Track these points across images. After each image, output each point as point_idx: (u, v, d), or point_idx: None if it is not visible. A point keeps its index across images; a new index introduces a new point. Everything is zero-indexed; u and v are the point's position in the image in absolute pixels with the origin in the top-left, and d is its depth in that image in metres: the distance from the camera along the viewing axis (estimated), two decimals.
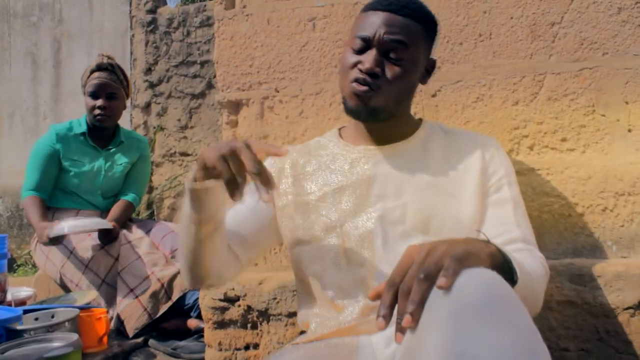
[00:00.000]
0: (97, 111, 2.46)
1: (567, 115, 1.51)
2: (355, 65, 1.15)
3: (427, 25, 1.20)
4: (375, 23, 1.14)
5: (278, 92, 1.68)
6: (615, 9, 1.49)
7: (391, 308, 0.76)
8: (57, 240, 2.18)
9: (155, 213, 4.27)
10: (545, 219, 1.51)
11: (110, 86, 2.47)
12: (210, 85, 4.14)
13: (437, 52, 1.58)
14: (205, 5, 4.16)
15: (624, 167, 1.48)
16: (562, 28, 1.52)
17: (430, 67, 1.26)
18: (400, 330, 0.73)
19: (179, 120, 4.23)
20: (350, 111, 1.18)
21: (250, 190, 1.28)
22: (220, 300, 1.62)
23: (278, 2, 1.68)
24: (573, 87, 1.51)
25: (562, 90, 1.51)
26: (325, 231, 1.18)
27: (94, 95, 2.46)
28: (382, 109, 1.15)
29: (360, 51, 1.16)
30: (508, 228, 1.15)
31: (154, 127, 4.30)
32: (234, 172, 0.92)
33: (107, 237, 2.25)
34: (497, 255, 0.85)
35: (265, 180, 0.91)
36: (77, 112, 4.52)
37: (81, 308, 1.95)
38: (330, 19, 1.65)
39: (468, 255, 0.77)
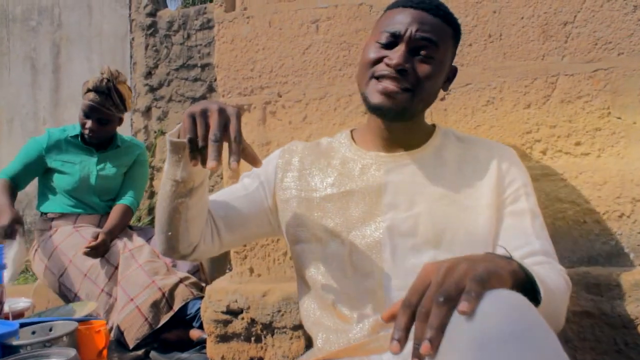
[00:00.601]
0: (87, 131, 2.49)
1: (581, 118, 1.45)
2: (379, 60, 1.11)
3: (456, 30, 1.18)
4: (406, 20, 1.11)
5: (281, 96, 1.63)
6: (631, 7, 1.44)
7: (407, 331, 0.71)
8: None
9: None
10: (559, 226, 1.45)
11: (102, 112, 2.47)
12: (211, 89, 4.09)
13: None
14: (205, 8, 4.11)
15: None
16: (575, 28, 1.46)
17: (452, 74, 1.23)
18: (418, 357, 0.68)
19: (179, 124, 4.16)
20: (375, 109, 1.12)
21: (253, 174, 1.27)
22: (223, 312, 1.58)
23: (280, 3, 1.63)
24: (587, 88, 1.45)
25: (576, 92, 1.46)
26: (329, 234, 1.14)
27: (86, 115, 2.48)
28: (411, 109, 1.11)
29: (388, 46, 1.11)
30: (527, 240, 1.10)
31: (155, 132, 4.25)
32: (199, 133, 0.92)
33: (95, 252, 2.21)
34: (520, 272, 0.81)
35: (248, 155, 0.97)
36: (76, 117, 4.42)
37: (79, 320, 1.90)
38: (334, 21, 1.59)
39: (490, 275, 0.72)
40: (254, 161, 1.01)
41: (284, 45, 1.62)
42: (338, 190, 1.16)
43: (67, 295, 2.26)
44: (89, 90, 2.46)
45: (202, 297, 2.12)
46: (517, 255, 1.05)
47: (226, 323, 1.56)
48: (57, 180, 2.47)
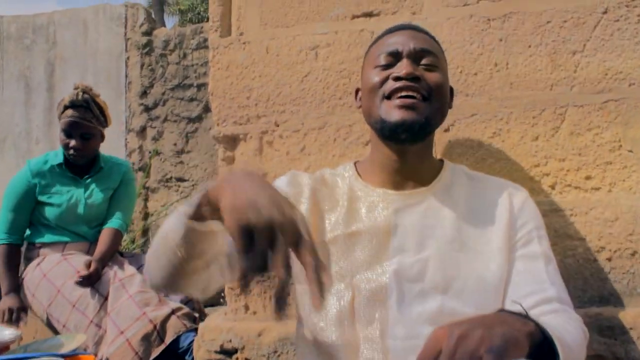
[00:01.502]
0: (70, 150, 2.38)
1: (591, 151, 1.40)
2: (385, 80, 1.08)
3: (441, 49, 1.19)
4: (401, 39, 1.11)
5: (278, 126, 1.57)
6: None
7: None
8: None
9: (151, 240, 4.15)
10: (569, 264, 1.39)
11: (84, 126, 2.37)
12: (207, 109, 4.04)
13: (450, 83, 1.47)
14: (202, 27, 4.08)
15: None
16: (584, 57, 1.41)
17: (451, 91, 1.21)
18: None
19: (175, 144, 4.14)
20: (396, 128, 1.05)
21: None
22: (217, 352, 1.51)
23: (277, 29, 1.58)
24: (597, 120, 1.40)
25: (586, 124, 1.41)
26: (334, 278, 1.07)
27: (67, 134, 2.38)
28: (432, 121, 1.09)
29: (388, 66, 1.10)
30: (541, 286, 1.05)
31: (150, 152, 4.20)
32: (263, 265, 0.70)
33: (88, 281, 2.13)
34: (537, 334, 0.76)
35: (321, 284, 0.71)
36: None
37: (67, 355, 1.83)
38: (334, 47, 1.54)
39: (508, 342, 0.67)
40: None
41: (282, 72, 1.57)
42: (344, 232, 1.10)
43: (55, 326, 2.18)
44: (66, 108, 2.38)
45: (194, 329, 2.05)
46: (531, 302, 1.00)
47: None
48: (44, 212, 2.38)
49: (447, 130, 1.47)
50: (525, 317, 0.78)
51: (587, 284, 1.40)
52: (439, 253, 1.05)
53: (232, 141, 1.60)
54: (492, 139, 1.45)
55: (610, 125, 1.40)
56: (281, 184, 1.18)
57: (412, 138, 1.08)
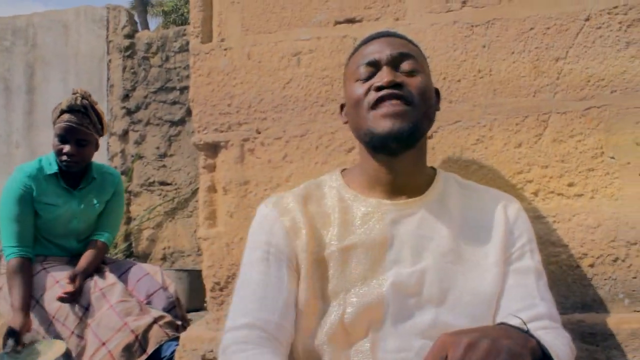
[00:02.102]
0: (64, 157, 2.25)
1: (574, 158, 1.41)
2: (367, 92, 1.06)
3: (420, 51, 1.18)
4: (378, 47, 1.10)
5: (259, 133, 1.55)
6: (624, 44, 1.40)
7: None
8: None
9: (133, 245, 4.11)
10: (552, 271, 1.39)
11: (80, 132, 2.26)
12: (190, 112, 3.99)
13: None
14: (184, 30, 4.05)
15: (636, 214, 1.38)
16: (567, 64, 1.42)
17: (437, 93, 1.20)
18: None
19: (157, 148, 4.10)
20: (385, 138, 1.03)
21: (258, 256, 1.09)
22: None
23: (259, 35, 1.56)
24: (580, 127, 1.41)
25: (568, 131, 1.41)
26: (327, 298, 1.05)
27: (63, 139, 2.26)
28: (420, 126, 1.07)
29: (369, 78, 1.08)
30: (532, 302, 1.05)
31: (132, 156, 4.16)
32: None
33: (72, 297, 2.08)
34: (537, 351, 0.77)
35: None
36: (51, 141, 4.34)
37: None
38: (317, 54, 1.53)
39: (513, 356, 0.69)
40: None
41: (264, 79, 1.55)
42: (338, 246, 1.06)
43: (34, 336, 2.14)
44: (63, 112, 2.28)
45: (177, 338, 2.02)
46: (524, 318, 0.98)
47: None
48: (35, 225, 2.30)
49: (430, 137, 1.46)
50: (527, 332, 0.78)
51: (570, 291, 1.40)
52: (435, 265, 1.03)
53: (213, 149, 1.59)
54: (475, 146, 1.44)
55: (593, 132, 1.40)
56: (269, 214, 1.12)
57: (402, 146, 1.06)
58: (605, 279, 1.39)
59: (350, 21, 1.52)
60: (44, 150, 4.16)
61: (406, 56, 1.09)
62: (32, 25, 4.39)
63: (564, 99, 1.42)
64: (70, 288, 2.07)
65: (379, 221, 1.07)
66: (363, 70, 1.08)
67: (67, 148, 2.24)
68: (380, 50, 1.09)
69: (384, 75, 1.05)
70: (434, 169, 1.21)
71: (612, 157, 1.39)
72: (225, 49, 1.58)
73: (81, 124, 2.25)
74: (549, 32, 1.43)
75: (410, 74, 1.08)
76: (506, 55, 1.44)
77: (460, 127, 1.45)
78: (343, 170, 1.21)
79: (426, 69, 1.15)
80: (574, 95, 1.41)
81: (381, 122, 1.03)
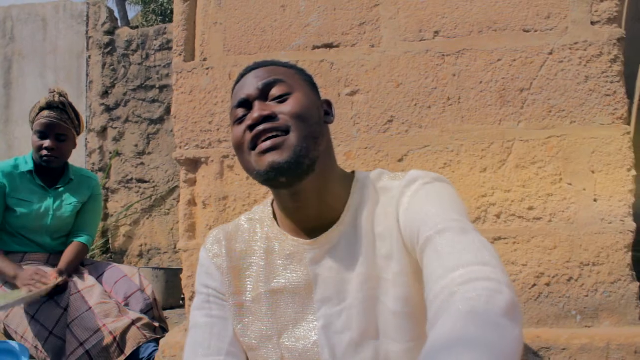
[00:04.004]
0: (44, 152, 2.30)
1: (534, 183, 1.49)
2: (245, 132, 0.99)
3: (296, 69, 1.09)
4: (247, 83, 1.03)
5: None
6: (583, 78, 1.48)
7: None
8: None
9: (110, 241, 4.12)
10: None
11: (60, 127, 2.33)
12: (169, 111, 4.02)
13: (404, 116, 1.54)
14: (165, 29, 4.05)
15: (590, 237, 1.47)
16: (531, 94, 1.50)
17: (327, 106, 1.10)
18: None
19: (136, 145, 4.10)
20: (269, 174, 0.96)
21: (200, 305, 1.10)
22: None
23: (240, 56, 1.61)
24: (541, 155, 1.49)
25: (530, 158, 1.50)
26: (260, 340, 1.05)
27: (42, 135, 2.31)
28: (305, 152, 0.96)
29: (244, 116, 1.01)
30: (443, 268, 0.82)
31: (110, 153, 4.15)
32: None
33: (55, 290, 2.13)
34: None
35: None
36: (28, 135, 4.22)
37: None
38: None
39: None
40: None
41: None
42: (265, 289, 1.05)
43: (13, 337, 2.16)
44: (42, 109, 2.33)
45: (155, 340, 2.07)
46: (439, 287, 0.79)
47: None
48: (8, 219, 2.34)
49: (400, 160, 1.54)
50: None
51: (527, 307, 1.49)
52: (358, 297, 0.99)
53: (194, 164, 1.64)
54: (443, 170, 1.52)
55: (553, 159, 1.49)
56: (204, 259, 1.13)
57: (294, 176, 0.97)
58: (560, 297, 1.48)
59: (328, 46, 1.59)
60: (20, 144, 4.15)
61: (274, 82, 1.01)
62: (10, 17, 4.34)
63: (527, 128, 1.50)
64: (58, 279, 2.12)
65: (300, 262, 1.04)
66: (238, 112, 1.03)
67: (47, 143, 2.29)
68: (249, 86, 1.02)
69: (253, 112, 0.98)
70: (353, 177, 1.10)
71: (570, 184, 1.48)
72: (207, 68, 1.63)
73: (60, 119, 2.31)
74: (515, 64, 1.51)
75: (281, 99, 1.00)
76: (475, 84, 1.52)
77: (429, 151, 1.53)
78: (274, 201, 1.13)
79: (302, 86, 1.05)
80: (536, 125, 1.50)
81: (262, 160, 0.96)
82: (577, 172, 1.48)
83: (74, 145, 2.46)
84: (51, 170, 2.41)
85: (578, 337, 1.42)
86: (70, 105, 2.38)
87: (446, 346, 0.67)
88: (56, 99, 2.32)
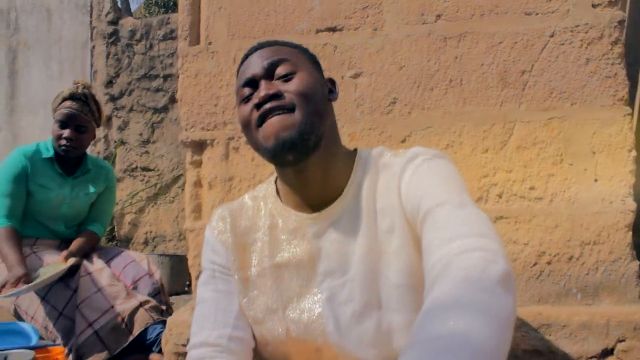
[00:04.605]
0: (63, 141, 2.34)
1: (535, 164, 1.51)
2: (252, 110, 1.02)
3: (300, 48, 1.12)
4: (253, 62, 1.06)
5: None
6: (584, 60, 1.50)
7: None
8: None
9: (115, 229, 4.16)
10: (513, 267, 1.50)
11: (80, 118, 2.37)
12: (173, 100, 4.05)
13: (407, 97, 1.56)
14: (169, 18, 4.07)
15: (590, 217, 1.49)
16: (532, 76, 1.52)
17: (331, 84, 1.13)
18: None
19: (140, 134, 4.13)
20: (276, 150, 0.99)
21: (206, 279, 1.13)
22: (184, 345, 1.57)
23: (245, 40, 1.64)
24: (542, 136, 1.51)
25: (532, 139, 1.51)
26: (265, 313, 1.07)
27: (63, 124, 2.35)
28: (310, 129, 0.99)
29: (250, 95, 1.04)
30: (440, 239, 0.86)
31: (115, 141, 4.18)
32: None
33: (68, 272, 2.16)
34: None
35: None
36: (33, 125, 4.35)
37: (36, 348, 1.87)
38: None
39: None
40: None
41: None
42: (270, 263, 1.08)
43: (23, 317, 2.20)
44: (64, 99, 2.38)
45: (162, 322, 2.11)
46: (437, 256, 0.83)
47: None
48: (27, 205, 2.37)
49: (403, 141, 1.56)
50: None
51: (529, 285, 1.51)
52: (361, 270, 1.01)
53: (199, 146, 1.67)
54: (445, 150, 1.54)
55: (554, 140, 1.51)
56: (209, 236, 1.16)
57: (300, 154, 1.00)
58: (561, 275, 1.51)
59: (331, 30, 1.61)
60: (26, 134, 4.18)
61: (279, 62, 1.05)
62: (14, 8, 4.36)
63: (529, 110, 1.52)
64: (75, 260, 2.16)
65: (303, 236, 1.06)
66: (243, 91, 1.06)
67: (66, 133, 2.34)
68: (254, 66, 1.05)
69: (259, 91, 1.02)
70: (355, 153, 1.13)
71: (571, 164, 1.50)
72: (212, 52, 1.65)
73: (81, 111, 2.36)
74: (517, 46, 1.52)
75: (286, 78, 1.03)
76: (476, 67, 1.54)
77: (432, 132, 1.55)
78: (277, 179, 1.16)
79: (307, 65, 1.08)
80: (537, 106, 1.52)
81: (269, 138, 0.99)
82: (578, 152, 1.50)
83: (93, 137, 2.51)
84: (70, 159, 2.45)
85: (578, 314, 1.44)
86: (93, 97, 2.43)
87: (442, 308, 0.71)
88: (79, 90, 2.37)
